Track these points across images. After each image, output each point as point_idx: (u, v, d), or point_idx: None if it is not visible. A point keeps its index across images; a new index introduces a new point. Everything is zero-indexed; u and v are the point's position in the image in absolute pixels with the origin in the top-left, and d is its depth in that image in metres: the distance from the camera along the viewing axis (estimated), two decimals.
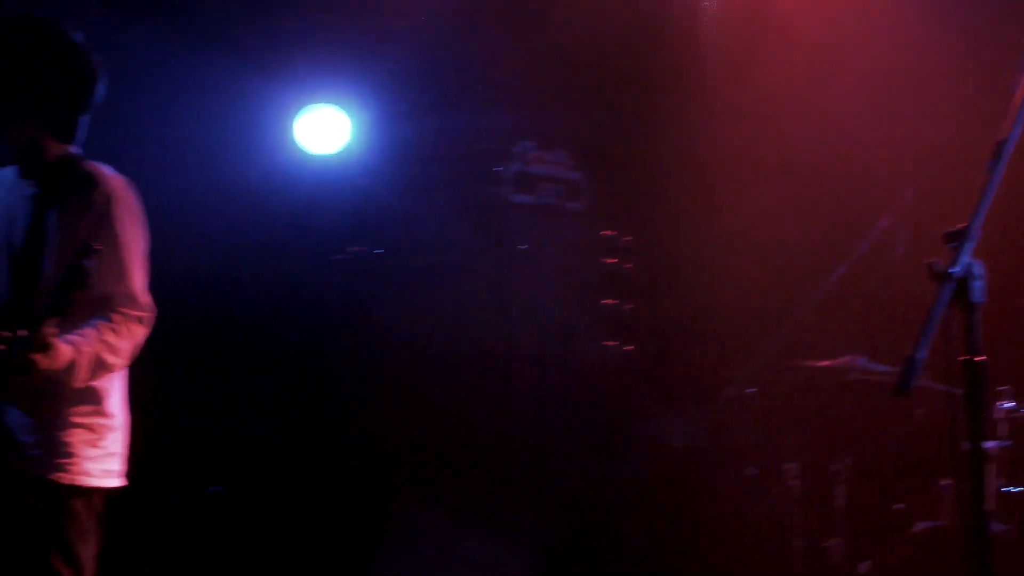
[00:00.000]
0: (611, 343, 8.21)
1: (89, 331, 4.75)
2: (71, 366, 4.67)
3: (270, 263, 8.89)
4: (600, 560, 7.99)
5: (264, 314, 9.02)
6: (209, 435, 8.58)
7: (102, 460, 4.92)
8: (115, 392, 4.98)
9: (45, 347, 4.55)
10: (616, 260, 8.35)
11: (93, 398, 4.89)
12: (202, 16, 8.85)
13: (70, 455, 4.83)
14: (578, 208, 8.43)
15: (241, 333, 8.99)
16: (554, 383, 7.96)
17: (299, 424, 8.72)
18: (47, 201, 4.89)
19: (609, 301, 8.27)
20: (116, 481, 4.98)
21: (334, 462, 8.38)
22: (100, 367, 4.77)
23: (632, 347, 8.27)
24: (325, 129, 8.91)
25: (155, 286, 5.02)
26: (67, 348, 4.65)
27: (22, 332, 4.52)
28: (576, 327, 8.11)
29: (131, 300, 4.86)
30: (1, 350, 4.55)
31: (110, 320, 4.80)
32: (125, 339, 4.82)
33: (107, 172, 4.98)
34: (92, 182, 4.91)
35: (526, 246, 8.05)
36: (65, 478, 4.82)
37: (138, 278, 4.91)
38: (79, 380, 4.74)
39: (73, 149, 5.03)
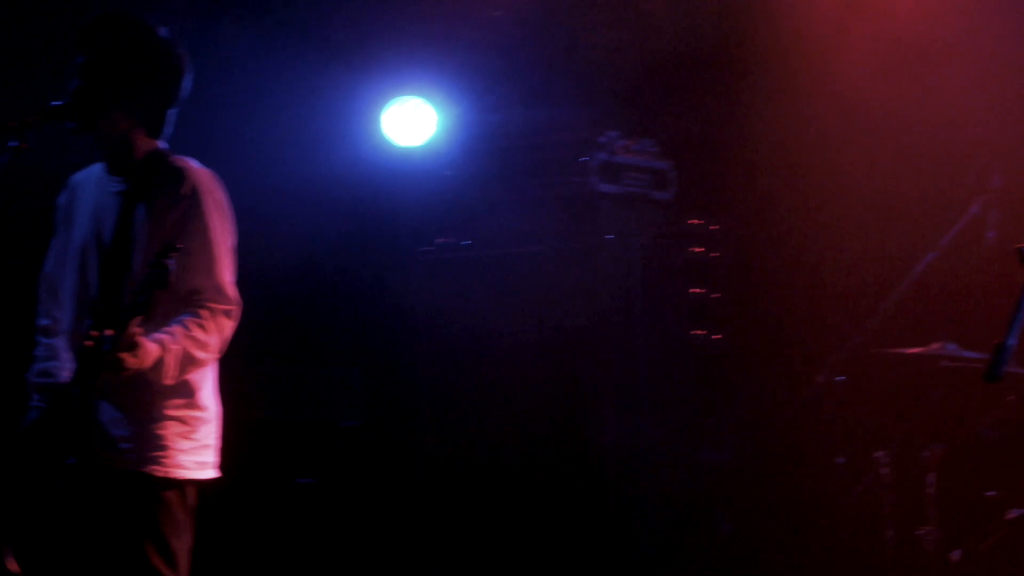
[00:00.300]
0: (698, 332, 8.18)
1: (176, 328, 4.80)
2: (159, 364, 4.73)
3: (357, 255, 8.94)
4: (691, 548, 7.97)
5: (352, 306, 9.07)
6: (298, 428, 8.63)
7: (196, 452, 4.98)
8: (207, 384, 5.04)
9: (132, 346, 4.61)
10: (703, 249, 8.32)
11: (186, 391, 4.94)
12: (289, 9, 8.91)
13: (164, 448, 4.90)
14: (665, 197, 8.40)
15: (329, 325, 9.04)
16: (642, 372, 7.94)
17: (387, 416, 8.75)
18: (135, 197, 4.95)
19: (696, 290, 8.24)
20: (210, 473, 5.03)
21: (422, 455, 8.39)
22: (189, 363, 4.82)
23: (720, 336, 8.23)
24: (411, 121, 8.94)
25: (244, 279, 5.06)
26: (154, 346, 4.70)
27: (109, 332, 4.59)
28: (663, 316, 8.08)
29: (219, 294, 4.90)
30: (89, 348, 4.62)
31: (198, 315, 4.85)
32: (213, 334, 4.86)
33: (194, 166, 5.03)
34: (180, 176, 4.96)
35: (612, 236, 8.03)
36: (159, 471, 4.88)
37: (226, 272, 4.95)
38: (169, 377, 4.80)
39: (160, 144, 5.09)
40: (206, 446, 5.02)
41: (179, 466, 4.92)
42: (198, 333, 4.83)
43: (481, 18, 8.90)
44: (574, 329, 7.99)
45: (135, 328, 4.59)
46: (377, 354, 8.94)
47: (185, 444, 4.94)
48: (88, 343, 4.62)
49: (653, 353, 7.97)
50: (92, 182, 5.13)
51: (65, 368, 5.03)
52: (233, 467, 5.19)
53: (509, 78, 8.99)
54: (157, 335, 4.72)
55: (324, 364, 8.84)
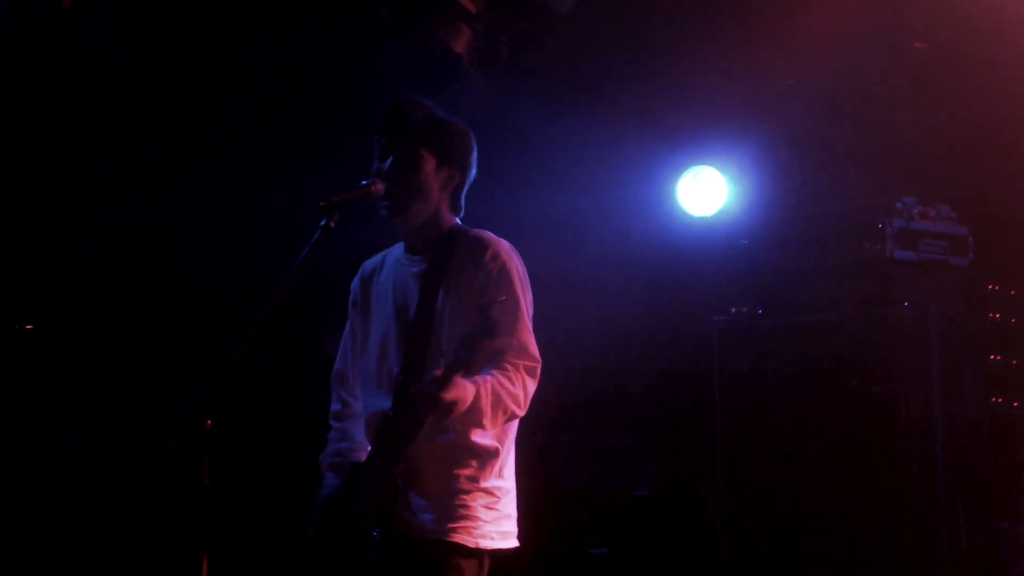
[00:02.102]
0: (998, 400, 8.01)
1: (486, 376, 4.88)
2: (476, 403, 4.82)
3: (652, 324, 9.00)
4: None
5: (646, 374, 9.12)
6: (590, 496, 8.70)
7: (499, 522, 5.07)
8: (510, 455, 5.13)
9: (449, 382, 4.70)
10: (1001, 315, 8.15)
11: (492, 462, 5.05)
12: (584, 82, 9.05)
13: (472, 518, 4.99)
14: (963, 263, 8.26)
15: (623, 393, 9.10)
16: (940, 440, 7.80)
17: (679, 486, 8.75)
18: (438, 274, 5.09)
19: (995, 357, 8.07)
20: (512, 542, 5.11)
21: (715, 526, 8.35)
22: (500, 408, 4.90)
23: (1018, 403, 8.04)
24: (705, 190, 9.00)
25: (539, 347, 5.14)
26: (470, 385, 4.79)
27: (438, 372, 4.72)
28: (962, 384, 7.94)
29: (522, 351, 4.98)
30: (413, 386, 4.77)
31: (504, 369, 4.93)
32: (519, 386, 4.94)
33: (493, 236, 5.15)
34: (483, 246, 5.08)
35: (909, 303, 7.93)
36: (469, 541, 4.98)
37: (527, 332, 5.03)
38: (486, 418, 4.88)
39: (458, 220, 5.24)
40: (508, 516, 5.11)
41: (485, 536, 5.01)
42: (505, 382, 4.91)
43: (774, 87, 8.92)
44: (871, 397, 7.90)
45: (455, 371, 4.71)
46: (671, 423, 8.96)
47: (490, 515, 5.03)
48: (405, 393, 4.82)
49: (952, 421, 7.82)
50: (388, 265, 5.29)
51: (357, 449, 5.24)
52: (526, 535, 5.27)
53: (802, 145, 8.98)
54: (470, 378, 4.83)
55: (617, 432, 8.90)
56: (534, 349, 5.04)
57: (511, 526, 5.13)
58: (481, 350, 4.66)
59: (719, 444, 8.36)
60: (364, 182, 5.07)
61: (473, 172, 5.26)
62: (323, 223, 4.88)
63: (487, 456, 5.04)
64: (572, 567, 8.49)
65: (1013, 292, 8.26)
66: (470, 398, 4.79)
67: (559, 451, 8.65)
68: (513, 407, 4.94)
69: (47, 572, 7.44)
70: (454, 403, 4.74)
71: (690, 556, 8.52)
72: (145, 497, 7.59)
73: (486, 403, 4.85)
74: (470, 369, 4.69)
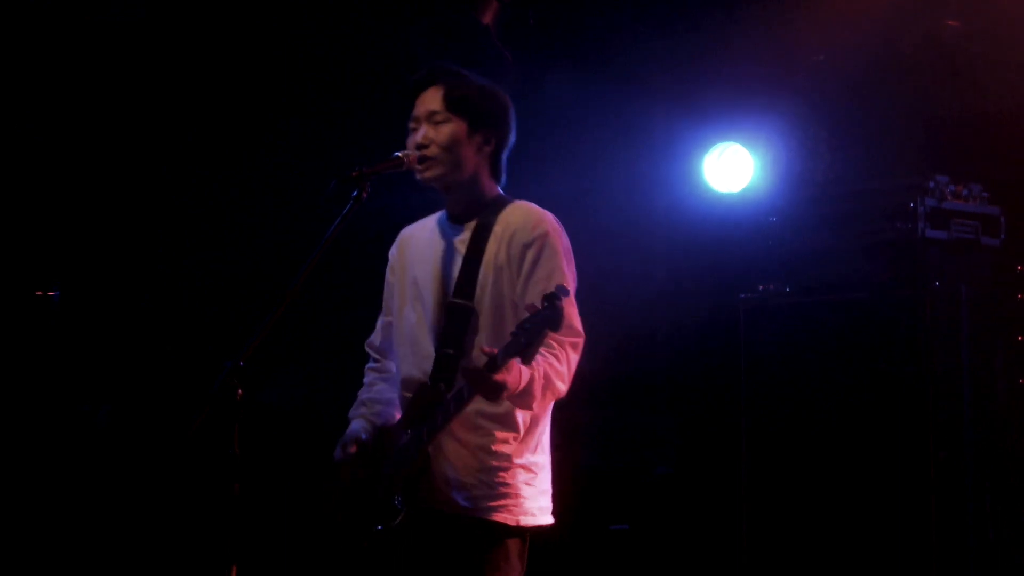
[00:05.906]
0: None
1: (537, 358, 4.76)
2: (528, 387, 4.74)
3: (676, 301, 8.95)
4: None
5: (672, 352, 9.07)
6: (613, 473, 8.66)
7: (538, 498, 5.03)
8: (547, 431, 5.09)
9: (503, 365, 4.61)
10: None
11: (531, 438, 5.01)
12: (612, 57, 9.00)
13: (513, 496, 4.96)
14: (994, 244, 8.19)
15: (647, 371, 9.06)
16: (969, 422, 7.74)
17: (702, 464, 8.70)
18: (482, 243, 5.04)
19: None
20: (549, 519, 5.08)
21: (738, 504, 8.30)
22: (548, 390, 4.83)
23: None
24: (731, 167, 8.93)
25: None
26: (525, 369, 4.70)
27: (488, 350, 4.61)
28: (990, 365, 7.87)
29: (567, 327, 4.88)
30: (474, 370, 4.64)
31: (551, 347, 4.86)
32: (564, 364, 4.89)
33: (539, 209, 5.11)
34: (530, 219, 5.04)
35: (939, 283, 7.86)
36: (509, 519, 4.95)
37: (572, 307, 4.98)
38: (535, 402, 4.83)
39: (499, 188, 5.19)
40: (545, 491, 5.08)
41: (525, 513, 4.98)
42: (554, 362, 4.86)
43: (802, 62, 8.85)
44: (899, 378, 7.83)
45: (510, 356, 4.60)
46: (695, 400, 8.92)
47: (529, 491, 5.00)
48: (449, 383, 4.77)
49: (980, 401, 7.76)
50: (429, 231, 5.24)
51: (385, 405, 5.22)
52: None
53: (831, 122, 8.90)
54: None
55: (641, 410, 8.86)
56: (579, 324, 4.99)
57: (548, 502, 5.09)
58: (542, 339, 4.56)
59: (743, 422, 8.30)
60: (397, 153, 5.03)
61: (511, 136, 5.19)
62: (355, 194, 4.83)
63: (526, 430, 5.00)
64: (593, 543, 8.45)
65: None
66: (524, 382, 4.71)
67: (582, 428, 8.61)
68: (560, 385, 4.88)
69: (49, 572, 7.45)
70: (506, 387, 4.63)
71: (711, 534, 8.48)
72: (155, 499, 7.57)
73: (537, 387, 4.78)
74: (527, 357, 4.57)
